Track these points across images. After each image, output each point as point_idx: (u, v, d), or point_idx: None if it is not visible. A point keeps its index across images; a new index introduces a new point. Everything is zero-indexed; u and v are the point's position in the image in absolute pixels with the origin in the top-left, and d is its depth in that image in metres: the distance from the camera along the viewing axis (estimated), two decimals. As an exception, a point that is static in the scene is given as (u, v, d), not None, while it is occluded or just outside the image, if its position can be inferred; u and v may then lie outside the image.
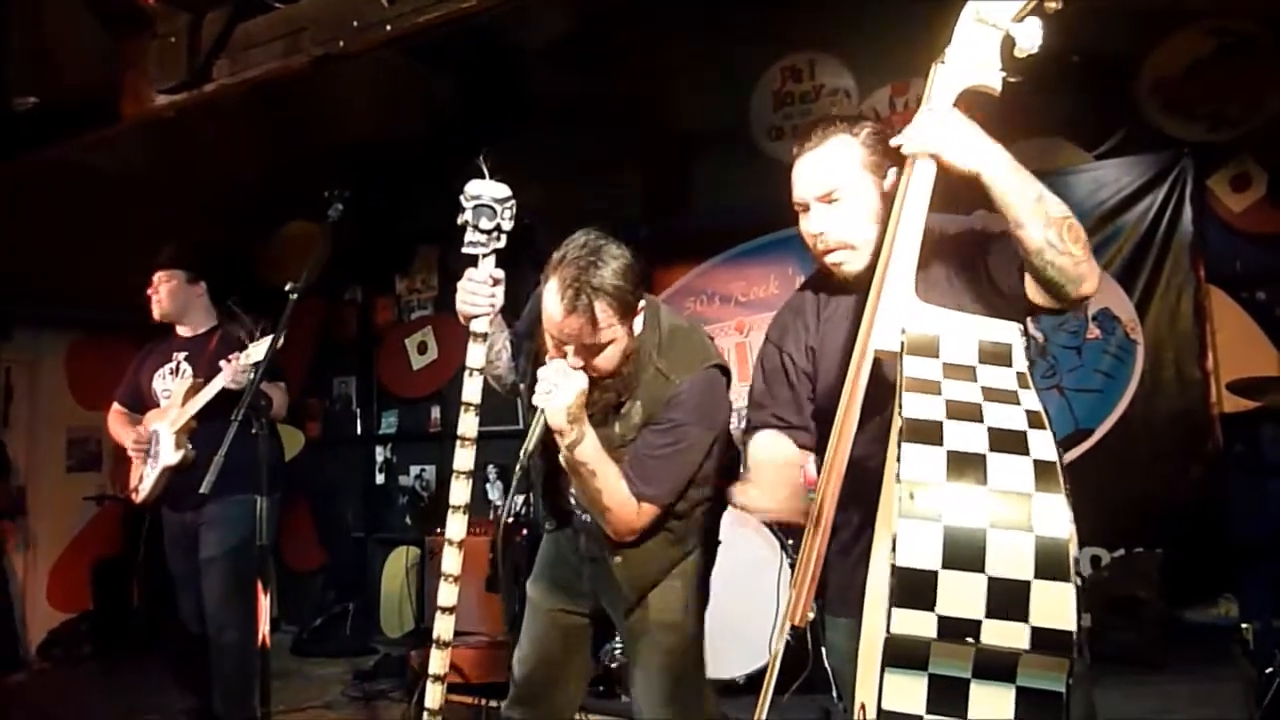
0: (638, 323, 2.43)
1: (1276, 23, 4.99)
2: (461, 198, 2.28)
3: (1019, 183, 1.77)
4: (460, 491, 2.35)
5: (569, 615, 2.73)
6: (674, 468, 2.43)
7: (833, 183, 2.04)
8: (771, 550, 4.51)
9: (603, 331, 2.29)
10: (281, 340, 3.70)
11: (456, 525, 2.34)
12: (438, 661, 2.41)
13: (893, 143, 1.87)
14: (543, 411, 2.31)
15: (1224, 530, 4.96)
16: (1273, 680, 3.83)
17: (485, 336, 2.35)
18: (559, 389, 2.29)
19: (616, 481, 2.39)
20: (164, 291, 4.28)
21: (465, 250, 2.31)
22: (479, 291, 2.34)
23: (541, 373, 2.32)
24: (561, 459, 2.39)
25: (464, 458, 2.34)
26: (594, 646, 2.84)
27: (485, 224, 2.27)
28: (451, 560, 2.35)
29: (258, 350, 3.80)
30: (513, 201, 2.29)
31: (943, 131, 1.78)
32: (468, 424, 2.33)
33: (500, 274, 2.35)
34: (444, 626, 2.40)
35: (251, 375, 3.78)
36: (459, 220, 2.29)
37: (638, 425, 2.45)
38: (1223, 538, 4.95)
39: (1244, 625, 4.31)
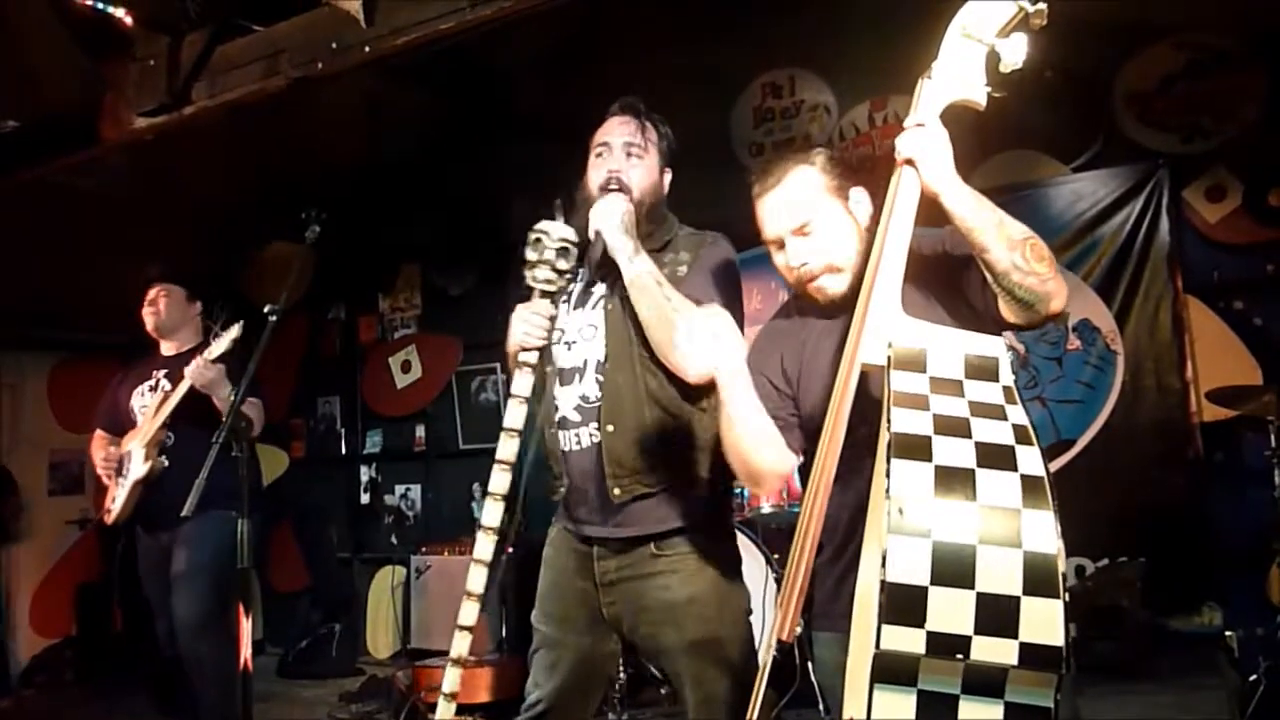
0: (666, 181, 2.68)
1: (1246, 37, 5.06)
2: (535, 233, 2.40)
3: (980, 209, 1.80)
4: (492, 512, 2.42)
5: (586, 647, 2.62)
6: (729, 293, 2.51)
7: (804, 215, 2.05)
8: (757, 566, 4.51)
9: (647, 143, 2.61)
10: (240, 330, 3.77)
11: (485, 545, 2.41)
12: (451, 680, 2.45)
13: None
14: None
15: (1206, 538, 4.99)
16: (1256, 688, 3.84)
17: (534, 368, 2.46)
18: (609, 208, 2.48)
19: (683, 298, 2.42)
20: (164, 304, 4.25)
21: (538, 286, 2.42)
22: (541, 325, 2.45)
23: (592, 211, 2.50)
24: (627, 281, 2.45)
25: (500, 480, 2.42)
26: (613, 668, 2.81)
27: (563, 265, 2.40)
28: (476, 579, 2.40)
29: (220, 344, 3.79)
30: (578, 245, 2.44)
31: (925, 142, 1.80)
32: (508, 449, 2.41)
33: (555, 311, 2.50)
34: (462, 644, 2.43)
35: (230, 387, 3.77)
36: (526, 254, 2.41)
37: (682, 275, 2.52)
38: (1205, 546, 4.99)
39: (1227, 633, 4.33)
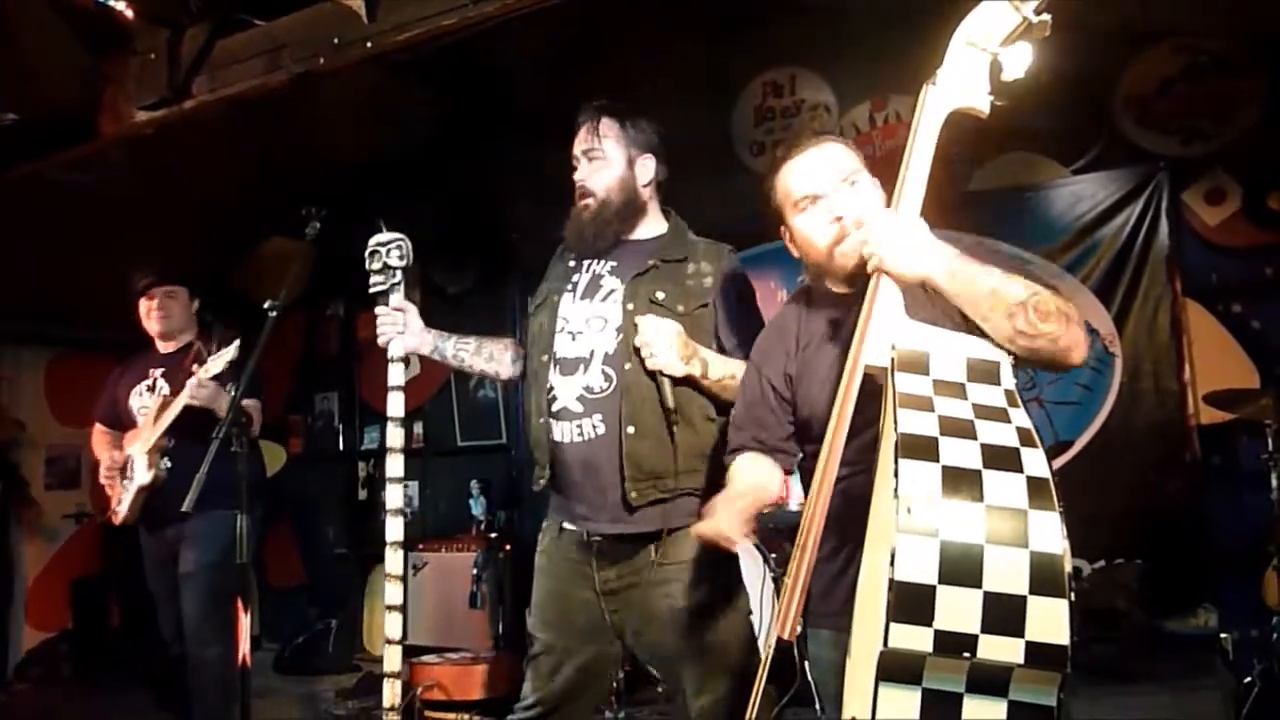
0: (643, 170, 2.67)
1: (1245, 41, 5.07)
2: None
3: (970, 283, 1.77)
4: (395, 496, 2.66)
5: (589, 653, 2.62)
6: (753, 309, 2.63)
7: (849, 165, 2.05)
8: (755, 565, 4.50)
9: (604, 141, 2.63)
10: (236, 352, 3.74)
11: (395, 528, 2.63)
12: (392, 660, 2.62)
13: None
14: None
15: (1203, 541, 5.00)
16: (1251, 689, 3.86)
17: (404, 360, 2.72)
18: (657, 342, 2.44)
19: (725, 363, 2.50)
20: (171, 308, 4.24)
21: (370, 290, 2.75)
22: (385, 321, 2.73)
23: (636, 342, 2.48)
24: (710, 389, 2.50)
25: (395, 465, 2.67)
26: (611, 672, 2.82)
27: (375, 264, 2.73)
28: (394, 561, 2.62)
29: (215, 364, 3.78)
30: (400, 242, 2.73)
31: (887, 245, 1.79)
32: (394, 436, 2.68)
33: (405, 304, 2.75)
34: (392, 625, 2.62)
35: (230, 389, 3.76)
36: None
37: (709, 286, 2.58)
38: (1202, 549, 5.00)
39: (1223, 635, 4.35)
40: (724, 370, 2.48)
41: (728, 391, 2.45)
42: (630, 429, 2.48)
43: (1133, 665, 4.61)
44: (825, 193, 2.04)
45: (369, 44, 3.78)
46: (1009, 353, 1.74)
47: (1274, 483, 4.17)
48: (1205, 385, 4.87)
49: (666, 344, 2.43)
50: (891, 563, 1.41)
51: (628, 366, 2.50)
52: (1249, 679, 3.90)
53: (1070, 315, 1.77)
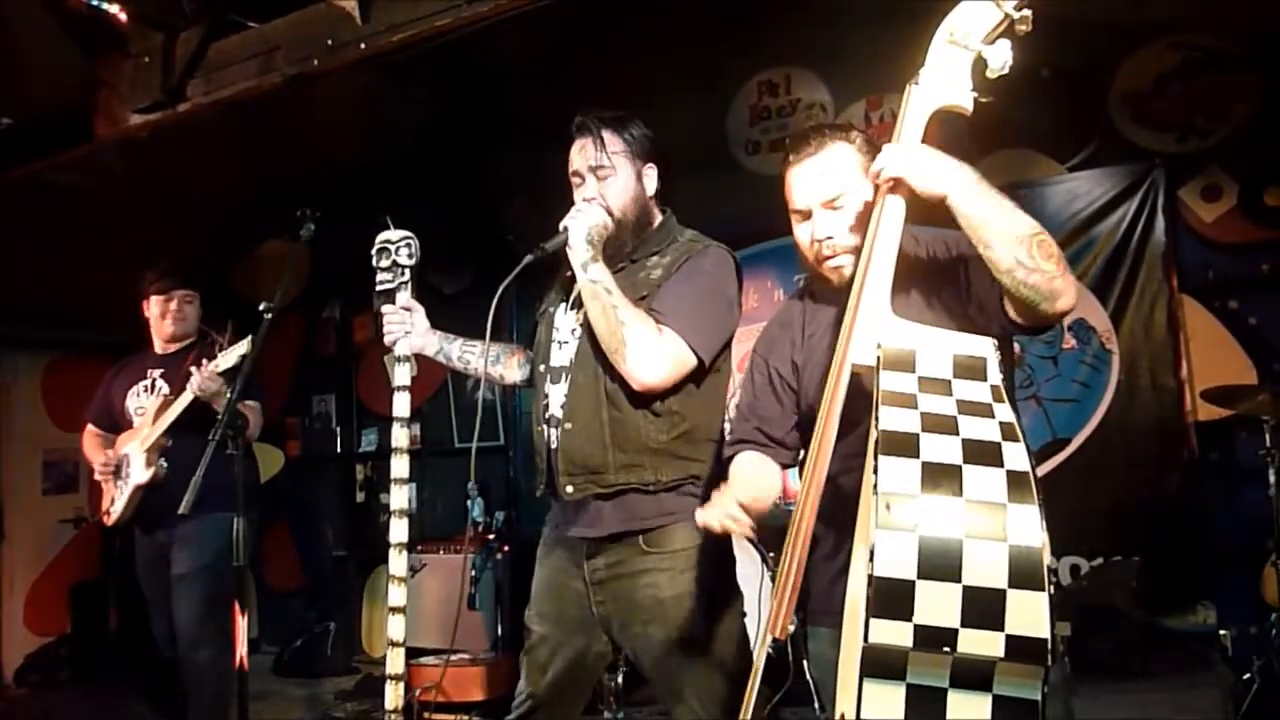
0: (649, 180, 2.63)
1: (1241, 37, 5.07)
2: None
3: (984, 203, 1.77)
4: (400, 497, 2.71)
5: (579, 646, 2.63)
6: (697, 306, 2.49)
7: (839, 188, 2.04)
8: (752, 563, 4.50)
9: (611, 155, 2.56)
10: (248, 347, 3.68)
11: (399, 529, 2.69)
12: (395, 662, 2.66)
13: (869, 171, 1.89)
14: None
15: (1201, 537, 4.99)
16: (1250, 686, 3.86)
17: (407, 359, 2.75)
18: (584, 212, 2.50)
19: (631, 308, 2.42)
20: (188, 312, 4.27)
21: (376, 287, 2.75)
22: (392, 320, 2.74)
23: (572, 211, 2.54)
24: (579, 285, 2.48)
25: (400, 466, 2.73)
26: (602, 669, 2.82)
27: (384, 262, 2.73)
28: (397, 563, 2.68)
29: (227, 359, 3.77)
30: (409, 240, 2.72)
31: (908, 159, 1.80)
32: (399, 436, 2.74)
33: (413, 304, 2.77)
34: (395, 627, 2.68)
35: (226, 390, 3.75)
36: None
37: (658, 280, 2.53)
38: (1200, 545, 4.99)
39: (1222, 632, 4.35)
40: (605, 278, 2.43)
41: (594, 299, 2.42)
42: (568, 425, 2.51)
43: (1131, 662, 4.61)
44: (812, 211, 2.07)
45: (363, 45, 3.79)
46: (996, 334, 1.74)
47: (1272, 479, 4.17)
48: (1203, 382, 4.85)
49: (581, 225, 2.47)
50: (871, 558, 1.41)
51: (575, 366, 2.54)
52: (1248, 675, 3.90)
53: (1065, 265, 1.78)
